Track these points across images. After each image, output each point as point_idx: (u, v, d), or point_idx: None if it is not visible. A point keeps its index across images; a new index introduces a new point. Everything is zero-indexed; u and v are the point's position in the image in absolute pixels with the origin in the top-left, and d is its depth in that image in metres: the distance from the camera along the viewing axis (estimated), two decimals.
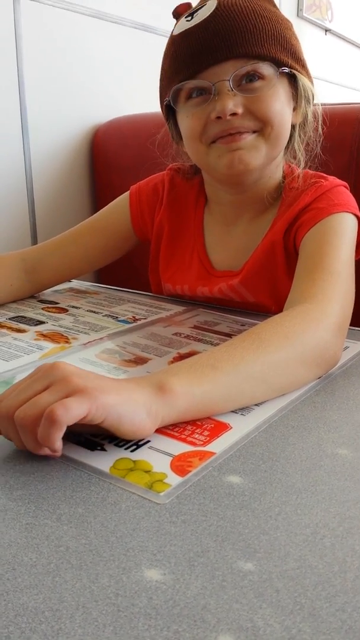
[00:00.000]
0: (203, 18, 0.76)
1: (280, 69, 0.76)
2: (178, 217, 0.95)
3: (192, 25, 0.76)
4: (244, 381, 0.56)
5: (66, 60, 1.39)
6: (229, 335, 0.78)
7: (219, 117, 0.75)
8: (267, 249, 0.85)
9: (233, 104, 0.74)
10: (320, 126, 0.84)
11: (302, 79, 0.80)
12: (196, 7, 0.78)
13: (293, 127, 0.83)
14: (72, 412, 0.43)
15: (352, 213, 0.80)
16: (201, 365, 0.54)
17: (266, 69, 0.75)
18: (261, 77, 0.76)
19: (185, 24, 0.77)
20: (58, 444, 0.44)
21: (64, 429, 0.44)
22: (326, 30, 2.56)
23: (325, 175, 0.86)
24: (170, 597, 0.33)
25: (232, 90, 0.75)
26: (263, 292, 0.88)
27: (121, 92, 1.55)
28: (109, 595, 0.33)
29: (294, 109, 0.81)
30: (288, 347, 0.59)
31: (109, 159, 1.48)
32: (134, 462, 0.47)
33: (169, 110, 0.84)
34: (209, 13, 0.76)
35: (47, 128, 1.39)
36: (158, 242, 0.98)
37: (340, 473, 0.46)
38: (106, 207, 1.02)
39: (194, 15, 0.77)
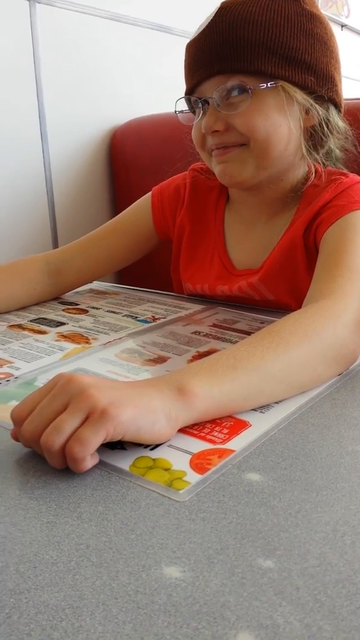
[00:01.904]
0: (201, 30, 0.77)
1: (259, 86, 0.75)
2: (199, 217, 0.96)
3: (195, 36, 0.79)
4: (263, 380, 0.56)
5: (83, 62, 1.40)
6: (248, 333, 0.78)
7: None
8: (286, 246, 0.85)
9: (214, 121, 0.77)
10: (339, 124, 0.83)
11: (292, 88, 0.76)
12: (211, 12, 0.79)
13: (313, 127, 0.81)
14: (90, 445, 0.44)
15: None
16: (221, 365, 0.54)
17: (249, 83, 0.75)
18: (245, 90, 0.75)
19: (195, 32, 0.79)
20: (88, 467, 0.45)
21: (87, 460, 0.45)
22: (342, 26, 2.54)
23: (346, 172, 0.86)
24: (190, 594, 0.33)
25: (218, 105, 0.77)
26: (283, 289, 0.87)
27: (138, 93, 1.56)
28: (129, 593, 0.33)
29: (307, 112, 0.79)
30: (307, 344, 0.59)
31: (128, 160, 1.48)
32: (154, 460, 0.47)
33: None
34: (206, 25, 0.77)
35: (65, 131, 1.40)
36: (179, 242, 0.98)
37: None
38: (128, 208, 1.02)
39: (204, 22, 0.78)
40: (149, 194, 1.01)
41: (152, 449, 0.49)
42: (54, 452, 0.45)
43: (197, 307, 0.93)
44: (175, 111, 0.84)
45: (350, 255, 0.73)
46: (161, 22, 1.55)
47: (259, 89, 0.75)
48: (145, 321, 0.86)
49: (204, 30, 0.77)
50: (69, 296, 1.03)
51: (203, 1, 1.60)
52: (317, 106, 0.79)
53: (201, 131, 0.81)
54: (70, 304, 0.98)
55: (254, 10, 0.74)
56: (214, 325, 0.82)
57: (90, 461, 0.45)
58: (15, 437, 0.49)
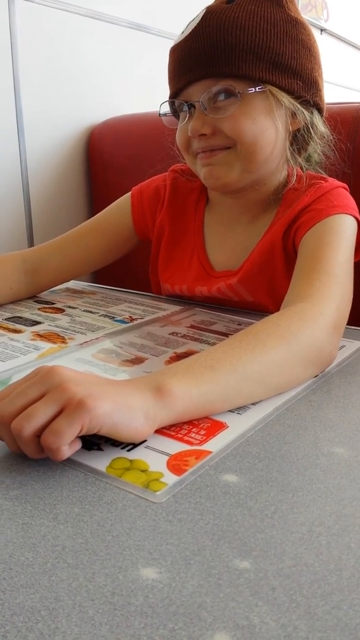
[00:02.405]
0: (187, 33, 0.77)
1: (247, 90, 0.75)
2: (178, 218, 0.96)
3: (180, 40, 0.79)
4: (241, 381, 0.56)
5: (61, 60, 1.39)
6: (226, 335, 0.78)
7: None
8: (266, 248, 0.86)
9: (201, 124, 0.77)
10: (321, 128, 0.84)
11: (280, 93, 0.77)
12: (195, 16, 0.79)
13: (298, 131, 0.82)
14: (64, 436, 0.44)
15: (351, 215, 0.80)
16: (199, 366, 0.54)
17: (237, 87, 0.75)
18: (233, 94, 0.76)
19: (179, 37, 0.79)
20: (66, 456, 0.45)
21: (63, 449, 0.45)
22: (322, 30, 2.56)
23: (325, 176, 0.87)
24: (167, 595, 0.33)
25: (205, 109, 0.77)
26: (261, 291, 0.88)
27: (116, 92, 1.55)
28: (106, 594, 0.33)
29: (293, 116, 0.80)
30: (284, 346, 0.60)
31: (105, 159, 1.48)
32: (131, 461, 0.47)
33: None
34: (192, 29, 0.77)
35: (42, 128, 1.39)
36: (158, 243, 0.98)
37: (337, 471, 0.46)
38: (107, 208, 1.02)
39: (188, 26, 0.78)
40: (129, 194, 1.00)
41: (129, 450, 0.49)
42: (23, 439, 0.45)
43: (174, 307, 0.93)
44: (160, 114, 0.84)
45: (328, 259, 0.73)
46: (140, 22, 1.55)
47: (247, 93, 0.76)
48: (122, 321, 0.86)
49: (189, 34, 0.77)
50: (45, 295, 1.03)
51: (182, 2, 1.61)
52: (303, 110, 0.80)
53: (186, 134, 0.81)
54: (47, 302, 0.97)
55: (240, 15, 0.74)
56: (192, 327, 0.82)
57: (68, 450, 0.45)
58: None
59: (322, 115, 0.84)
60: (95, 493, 0.43)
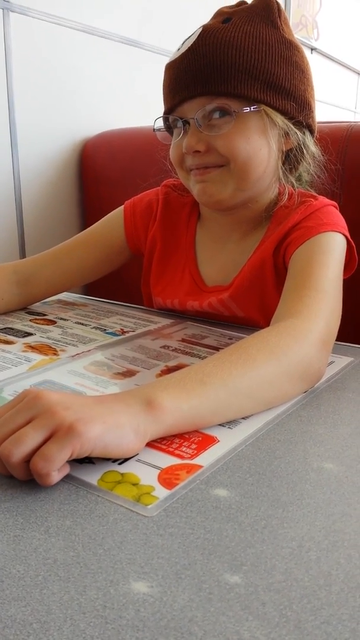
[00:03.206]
0: (183, 51, 0.78)
1: (243, 109, 0.76)
2: (171, 233, 0.96)
3: (177, 57, 0.79)
4: (231, 396, 0.56)
5: (55, 73, 1.40)
6: (217, 349, 0.79)
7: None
8: (256, 265, 0.87)
9: (196, 141, 0.78)
10: (312, 149, 0.85)
11: (273, 113, 0.78)
12: (191, 34, 0.80)
13: (290, 151, 0.84)
14: (54, 461, 0.44)
15: (340, 232, 0.81)
16: (190, 380, 0.55)
17: (232, 106, 0.77)
18: (228, 113, 0.77)
19: (175, 54, 0.80)
20: (55, 481, 0.45)
21: (53, 475, 0.45)
22: (312, 49, 2.60)
23: (315, 194, 0.88)
24: (158, 609, 0.33)
25: (200, 126, 0.78)
26: (252, 307, 0.89)
27: (110, 106, 1.56)
28: (97, 608, 0.33)
29: (286, 136, 0.81)
30: (274, 362, 0.60)
31: (98, 172, 1.48)
32: (122, 474, 0.48)
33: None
34: (189, 46, 0.78)
35: (36, 141, 1.39)
36: (150, 257, 0.99)
37: (326, 486, 0.47)
38: (100, 220, 1.02)
39: (183, 44, 0.79)
40: (121, 207, 1.01)
41: (120, 464, 0.49)
42: (13, 464, 0.44)
43: (166, 321, 0.93)
44: (154, 129, 0.85)
45: (318, 276, 0.74)
46: (133, 37, 1.57)
47: (242, 112, 0.77)
48: (114, 334, 0.86)
49: (185, 51, 0.78)
50: (36, 306, 1.03)
51: (175, 18, 1.63)
52: (296, 131, 0.81)
53: (180, 150, 0.81)
54: (38, 314, 0.97)
55: (236, 35, 0.76)
56: (183, 340, 0.83)
57: (57, 475, 0.45)
58: None
59: (313, 136, 0.85)
60: (87, 506, 0.43)
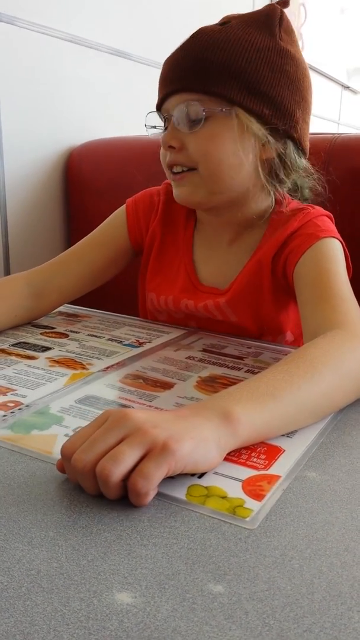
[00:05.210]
0: (180, 46, 0.79)
1: (214, 109, 0.77)
2: (170, 229, 0.97)
3: (173, 53, 0.81)
4: (299, 412, 0.57)
5: (42, 82, 1.40)
6: (240, 358, 0.80)
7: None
8: (254, 270, 0.88)
9: (171, 137, 0.80)
10: (298, 161, 0.85)
11: (247, 117, 0.78)
12: None
13: (273, 161, 0.83)
14: (153, 480, 0.44)
15: (337, 239, 0.83)
16: (261, 393, 0.55)
17: (206, 104, 0.77)
18: (201, 112, 0.77)
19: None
20: (149, 500, 0.45)
21: (150, 494, 0.44)
22: None
23: (312, 204, 0.90)
24: (141, 619, 0.34)
25: (178, 123, 0.79)
26: (246, 313, 0.90)
27: (97, 115, 1.57)
28: (80, 619, 0.33)
29: (268, 142, 0.80)
30: (337, 376, 0.61)
31: (84, 182, 1.49)
32: (206, 488, 0.48)
33: None
34: (183, 43, 0.79)
35: (21, 150, 1.39)
36: (149, 251, 0.99)
37: (309, 495, 0.47)
38: (103, 222, 1.02)
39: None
40: (123, 206, 1.01)
41: (199, 477, 0.49)
42: (111, 483, 0.44)
43: (178, 331, 0.93)
44: (146, 125, 0.85)
45: (335, 285, 0.76)
46: (120, 48, 1.58)
47: (214, 112, 0.77)
48: (131, 345, 0.85)
49: (176, 49, 0.79)
50: (40, 320, 0.99)
51: (162, 29, 1.64)
52: (271, 139, 0.80)
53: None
54: (45, 327, 0.94)
55: (227, 37, 0.77)
56: (205, 350, 0.83)
57: (152, 494, 0.45)
58: (62, 468, 0.48)
59: (299, 148, 0.84)
60: (70, 517, 0.43)
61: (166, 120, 0.82)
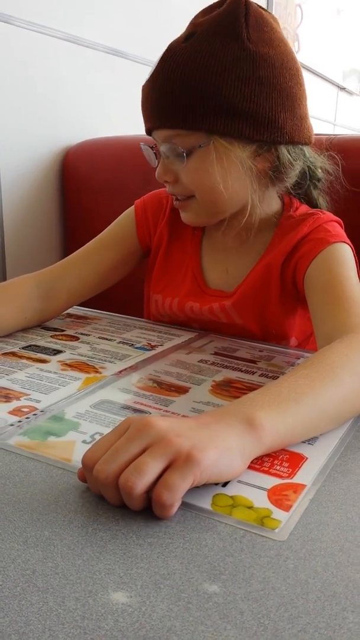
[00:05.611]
0: (151, 74, 0.79)
1: (193, 146, 0.77)
2: (177, 232, 0.97)
3: (147, 79, 0.80)
4: (320, 418, 0.57)
5: (38, 81, 1.40)
6: (252, 361, 0.80)
7: None
8: (262, 273, 0.88)
9: (164, 172, 0.82)
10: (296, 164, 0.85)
11: (226, 145, 0.77)
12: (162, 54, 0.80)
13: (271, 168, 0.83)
14: (178, 491, 0.43)
15: (347, 244, 0.83)
16: (284, 399, 0.54)
17: (186, 140, 0.77)
18: (186, 150, 0.78)
19: (148, 74, 0.80)
20: (174, 512, 0.44)
21: (175, 506, 0.43)
22: None
23: (322, 210, 0.90)
24: (137, 619, 0.34)
25: (168, 157, 0.80)
26: (251, 316, 0.90)
27: (93, 115, 1.57)
28: (76, 618, 0.33)
29: (259, 155, 0.80)
30: (357, 381, 0.60)
31: (80, 181, 1.49)
32: (232, 497, 0.47)
33: None
34: (153, 70, 0.78)
35: (17, 149, 1.39)
36: (156, 253, 0.99)
37: (336, 506, 0.47)
38: (112, 223, 1.01)
39: (154, 64, 0.79)
40: (132, 207, 1.01)
41: (223, 486, 0.48)
42: (135, 495, 0.43)
43: (189, 334, 0.93)
44: (140, 144, 0.86)
45: (346, 288, 0.76)
46: (117, 47, 1.58)
47: (194, 148, 0.78)
48: (143, 348, 0.84)
49: (150, 76, 0.79)
50: (49, 323, 0.98)
51: (158, 28, 1.64)
52: (261, 150, 0.79)
53: None
54: (54, 329, 0.93)
55: (193, 58, 0.74)
56: (217, 354, 0.83)
57: (177, 506, 0.44)
58: (83, 478, 0.47)
59: (294, 144, 0.82)
60: (66, 516, 0.43)
61: (156, 154, 0.83)
